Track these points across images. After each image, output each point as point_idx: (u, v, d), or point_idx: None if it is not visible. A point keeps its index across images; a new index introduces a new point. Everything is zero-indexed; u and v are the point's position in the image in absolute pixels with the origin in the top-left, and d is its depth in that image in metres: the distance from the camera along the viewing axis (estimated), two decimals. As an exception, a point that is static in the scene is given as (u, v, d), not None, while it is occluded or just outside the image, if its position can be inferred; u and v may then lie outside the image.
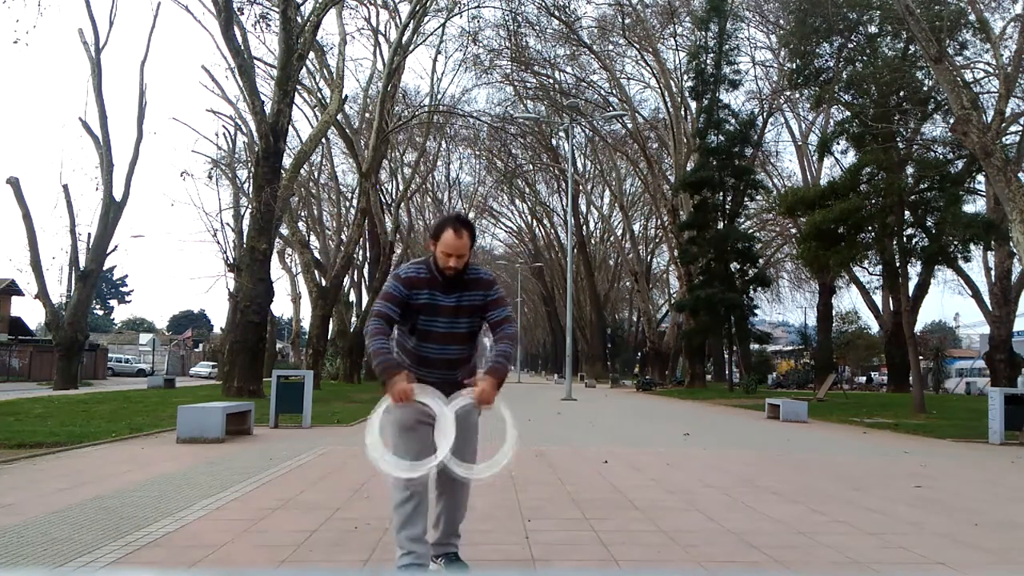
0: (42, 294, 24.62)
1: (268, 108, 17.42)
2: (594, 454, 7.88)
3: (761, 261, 33.12)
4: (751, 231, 35.43)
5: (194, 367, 48.20)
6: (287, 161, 19.90)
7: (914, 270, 21.07)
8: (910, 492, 5.82)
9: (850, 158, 20.13)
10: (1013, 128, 20.61)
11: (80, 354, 26.26)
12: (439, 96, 32.15)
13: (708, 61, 28.91)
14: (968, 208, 19.41)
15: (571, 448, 8.49)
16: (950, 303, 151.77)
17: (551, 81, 36.41)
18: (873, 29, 19.00)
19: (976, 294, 26.21)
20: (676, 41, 32.93)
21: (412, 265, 3.19)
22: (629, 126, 34.63)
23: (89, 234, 25.34)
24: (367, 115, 30.01)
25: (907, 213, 17.21)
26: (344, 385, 26.45)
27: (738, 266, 28.67)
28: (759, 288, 31.99)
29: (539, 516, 4.56)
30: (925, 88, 17.36)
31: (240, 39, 18.35)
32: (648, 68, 34.74)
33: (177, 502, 4.76)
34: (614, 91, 35.85)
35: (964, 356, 50.60)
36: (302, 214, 35.11)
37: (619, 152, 37.92)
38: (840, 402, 20.37)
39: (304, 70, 22.38)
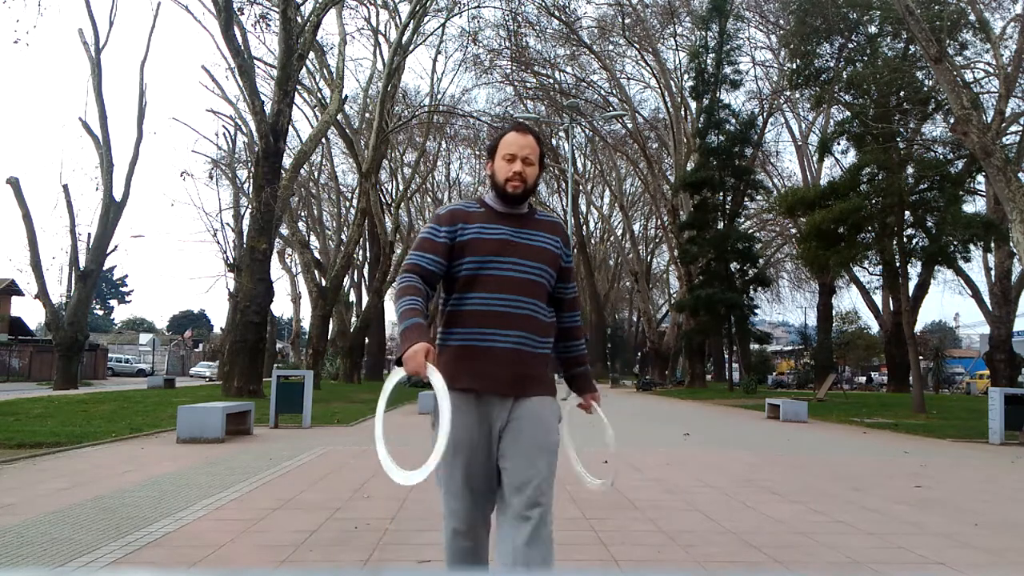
0: (42, 294, 24.63)
1: (268, 108, 17.42)
2: (594, 454, 7.87)
3: (761, 261, 33.14)
4: (751, 231, 35.44)
5: (194, 367, 47.67)
6: (287, 161, 19.90)
7: (914, 270, 21.09)
8: (910, 492, 5.82)
9: (850, 158, 20.15)
10: (1013, 128, 20.62)
11: (80, 354, 26.27)
12: (439, 96, 32.17)
13: (708, 61, 28.94)
14: (968, 208, 19.44)
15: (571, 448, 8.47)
16: (950, 303, 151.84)
17: (551, 81, 36.40)
18: (873, 29, 19.00)
19: (976, 294, 26.22)
20: (676, 41, 32.97)
21: (458, 201, 2.61)
22: (629, 126, 34.63)
23: (89, 234, 25.38)
24: (367, 115, 30.01)
25: (907, 213, 17.20)
26: (344, 385, 26.45)
27: (738, 266, 28.68)
28: (759, 288, 32.02)
29: (539, 516, 4.54)
30: (925, 88, 17.36)
31: (240, 39, 18.35)
32: (648, 68, 34.76)
33: (177, 502, 4.76)
34: (614, 91, 35.85)
35: (964, 356, 50.63)
36: (302, 214, 35.13)
37: (619, 152, 37.91)
38: (840, 402, 20.37)
39: (304, 70, 22.37)
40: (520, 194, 2.34)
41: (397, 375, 2.14)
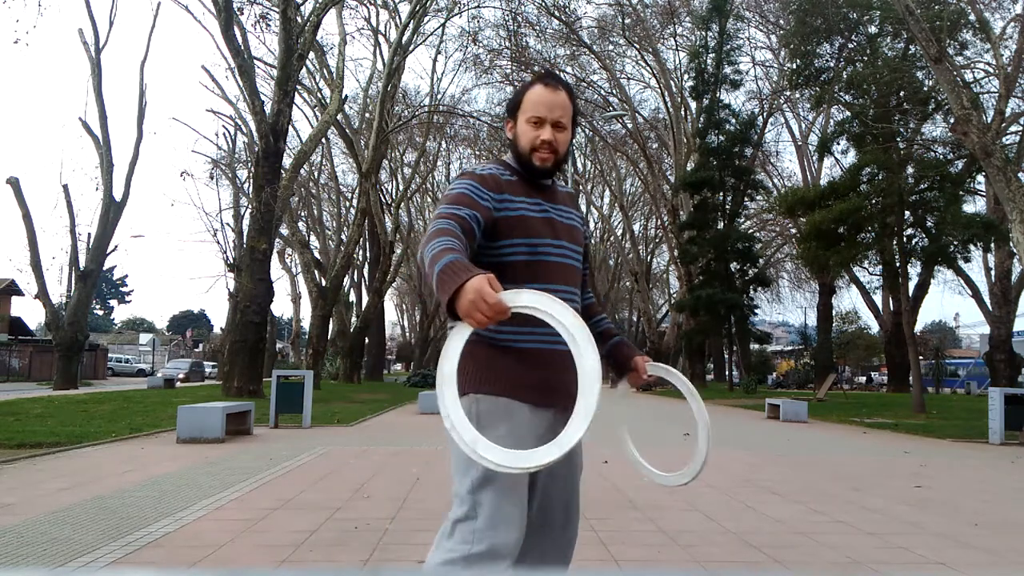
0: (42, 294, 24.63)
1: (268, 108, 17.43)
2: (594, 454, 7.87)
3: (761, 261, 33.16)
4: (751, 231, 35.45)
5: (163, 367, 41.37)
6: (287, 161, 19.91)
7: (914, 270, 21.09)
8: (910, 492, 5.82)
9: (850, 158, 20.17)
10: (1013, 128, 20.62)
11: (80, 354, 26.27)
12: (439, 96, 32.19)
13: (708, 61, 28.94)
14: (968, 208, 19.45)
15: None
16: (950, 303, 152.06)
17: (551, 81, 36.36)
18: (873, 29, 19.01)
19: (976, 294, 26.23)
20: (676, 41, 32.97)
21: (487, 164, 1.94)
22: (629, 126, 34.63)
23: (89, 234, 25.38)
24: (367, 115, 30.02)
25: (907, 213, 17.21)
26: (344, 385, 26.45)
27: (738, 266, 28.68)
28: (759, 288, 32.01)
29: (539, 516, 4.54)
30: (925, 88, 17.37)
31: (240, 39, 18.35)
32: (648, 68, 34.75)
33: (177, 502, 4.76)
34: (614, 91, 35.84)
35: (964, 356, 50.66)
36: (302, 214, 35.14)
37: (619, 152, 37.90)
38: (840, 402, 20.37)
39: (304, 70, 22.38)
40: (550, 167, 1.90)
41: (462, 332, 1.55)
